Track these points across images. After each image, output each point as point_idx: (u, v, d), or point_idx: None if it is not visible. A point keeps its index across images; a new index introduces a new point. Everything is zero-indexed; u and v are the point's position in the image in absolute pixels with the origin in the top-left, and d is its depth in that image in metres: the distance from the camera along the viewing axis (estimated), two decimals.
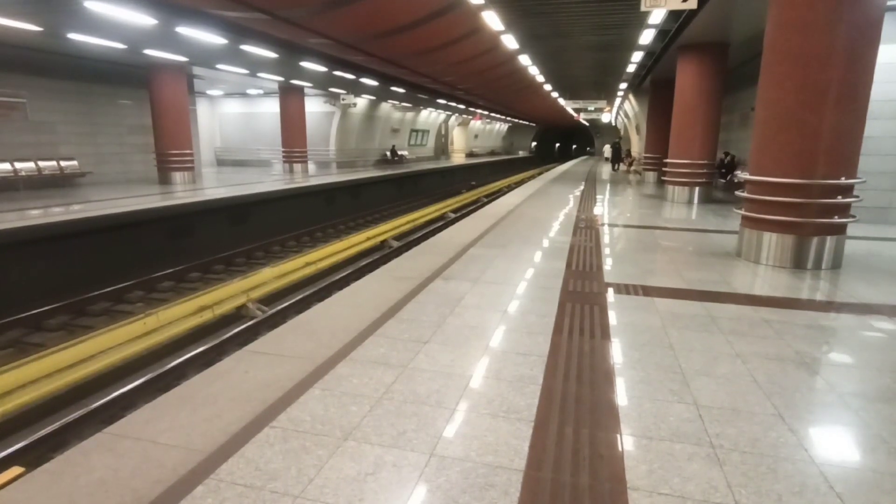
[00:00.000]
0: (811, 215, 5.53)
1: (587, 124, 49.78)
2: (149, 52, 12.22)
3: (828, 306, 4.49)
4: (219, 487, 2.01)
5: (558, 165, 35.64)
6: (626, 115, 28.38)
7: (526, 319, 3.96)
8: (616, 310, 4.22)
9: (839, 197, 5.54)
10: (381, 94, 23.31)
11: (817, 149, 5.41)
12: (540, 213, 10.01)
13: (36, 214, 9.16)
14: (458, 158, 38.82)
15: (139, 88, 15.30)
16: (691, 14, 8.95)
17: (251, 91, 22.79)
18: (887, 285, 5.12)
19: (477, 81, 20.13)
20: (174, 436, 2.25)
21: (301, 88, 20.18)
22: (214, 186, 14.78)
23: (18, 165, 12.66)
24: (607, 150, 29.93)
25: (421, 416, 2.54)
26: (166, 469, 2.02)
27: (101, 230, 9.18)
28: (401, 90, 21.81)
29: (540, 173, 31.84)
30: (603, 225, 8.60)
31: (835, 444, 2.40)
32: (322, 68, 15.74)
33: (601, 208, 10.84)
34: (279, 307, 7.58)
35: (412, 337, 3.56)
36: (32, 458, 4.13)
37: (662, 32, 11.09)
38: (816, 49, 5.29)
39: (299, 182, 16.32)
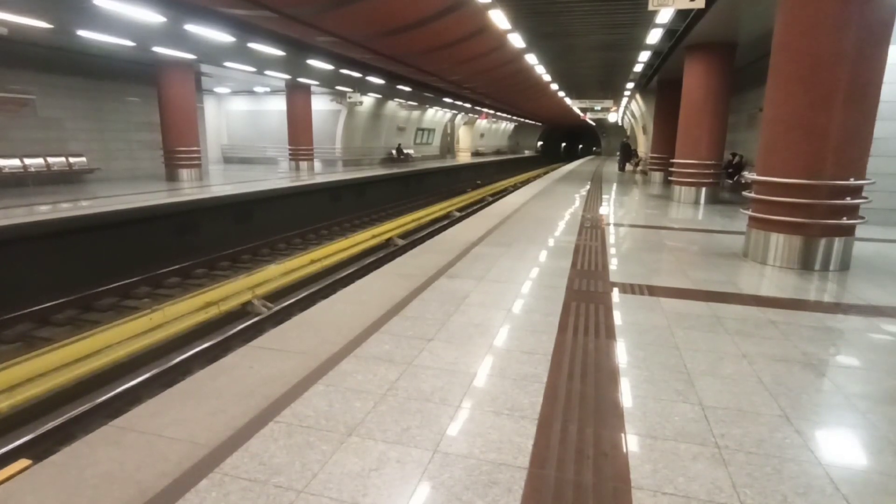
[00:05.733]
0: (819, 216, 5.49)
1: (593, 124, 49.63)
2: (157, 49, 12.27)
3: (835, 308, 4.46)
4: (223, 481, 2.02)
5: (564, 165, 35.55)
6: (633, 115, 28.26)
7: (530, 318, 3.95)
8: (621, 309, 4.21)
9: (847, 198, 5.49)
10: (388, 93, 23.33)
11: (825, 149, 5.37)
12: (545, 212, 9.99)
13: (44, 210, 9.22)
14: (463, 157, 38.80)
15: (147, 86, 15.39)
16: (699, 13, 8.90)
17: (258, 89, 22.87)
18: (895, 287, 5.08)
19: (483, 80, 20.11)
20: (179, 430, 2.26)
21: (308, 86, 20.22)
22: (221, 183, 14.85)
23: (27, 161, 12.75)
24: None
25: (425, 413, 2.54)
26: (171, 462, 2.03)
27: (108, 226, 9.23)
28: (407, 89, 21.82)
29: (546, 173, 31.76)
30: (608, 225, 8.57)
31: (841, 445, 2.38)
32: (329, 66, 15.77)
33: (607, 208, 10.81)
34: (284, 304, 7.61)
35: (416, 334, 3.56)
36: (39, 450, 4.17)
37: (670, 32, 11.03)
38: (825, 49, 5.25)
39: (305, 180, 16.37)
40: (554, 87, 22.79)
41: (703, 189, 11.65)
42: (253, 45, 12.51)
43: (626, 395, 2.76)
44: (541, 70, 17.86)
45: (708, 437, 2.38)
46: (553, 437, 2.35)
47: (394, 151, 28.22)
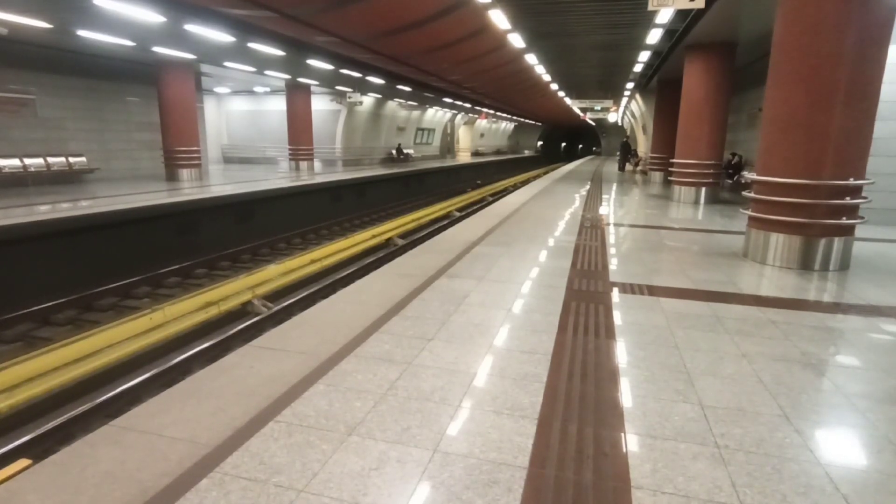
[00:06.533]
0: (819, 216, 5.50)
1: (593, 124, 49.62)
2: (157, 49, 12.28)
3: (835, 308, 4.46)
4: (223, 480, 2.02)
5: (564, 165, 35.56)
6: (633, 115, 28.26)
7: (530, 318, 3.95)
8: (621, 309, 4.21)
9: (847, 198, 5.50)
10: (388, 93, 23.33)
11: (825, 149, 5.37)
12: (545, 212, 10.00)
13: (44, 210, 9.22)
14: (463, 157, 38.80)
15: (147, 85, 15.39)
16: (699, 14, 8.90)
17: (258, 89, 22.87)
18: (895, 287, 5.07)
19: (483, 80, 20.11)
20: (179, 429, 2.26)
21: (308, 86, 20.22)
22: (221, 183, 14.85)
23: (27, 161, 12.75)
24: None
25: (425, 413, 2.55)
26: (172, 462, 2.04)
27: (108, 226, 9.23)
28: (407, 89, 21.82)
29: (546, 172, 31.77)
30: (608, 224, 8.57)
31: (841, 445, 2.38)
32: (329, 66, 15.77)
33: (607, 208, 10.81)
34: (284, 304, 7.61)
35: (416, 334, 3.56)
36: (39, 451, 4.17)
37: (670, 32, 11.04)
38: (825, 49, 5.25)
39: (305, 179, 16.37)
40: (554, 87, 22.79)
41: (703, 189, 11.65)
42: (253, 45, 12.51)
43: (626, 395, 2.77)
44: (541, 70, 17.86)
45: (708, 437, 2.38)
46: (553, 437, 2.36)
47: (394, 151, 28.22)
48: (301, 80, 18.40)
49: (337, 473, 2.08)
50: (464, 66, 16.41)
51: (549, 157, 60.72)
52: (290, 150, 21.07)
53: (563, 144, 74.43)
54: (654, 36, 11.26)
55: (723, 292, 4.79)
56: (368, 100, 24.23)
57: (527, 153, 55.88)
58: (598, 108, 27.85)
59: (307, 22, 10.71)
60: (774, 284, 5.15)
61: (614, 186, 16.23)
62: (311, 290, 8.36)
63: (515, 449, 2.26)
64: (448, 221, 15.91)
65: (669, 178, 12.47)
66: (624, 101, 25.57)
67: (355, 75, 17.66)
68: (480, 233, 7.34)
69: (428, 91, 22.96)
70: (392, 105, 27.15)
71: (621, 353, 3.33)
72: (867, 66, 5.25)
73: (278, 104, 22.16)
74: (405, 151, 28.87)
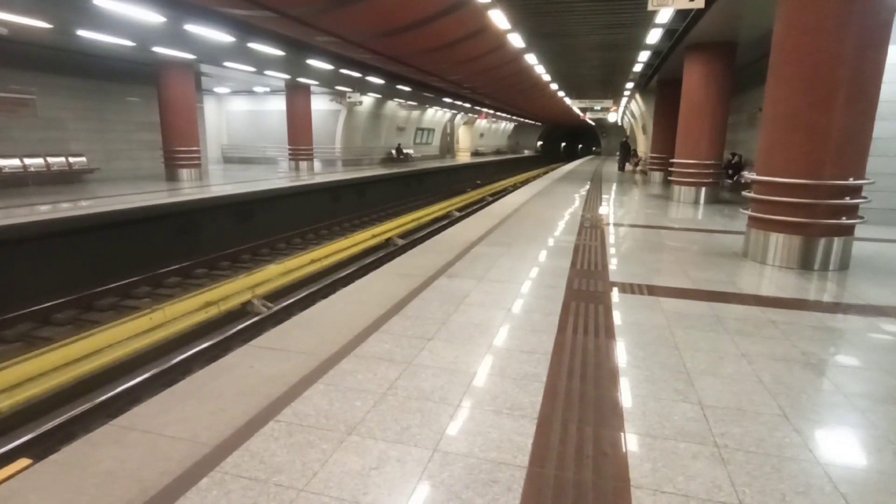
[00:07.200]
0: (819, 216, 5.50)
1: (593, 124, 49.61)
2: (157, 49, 12.28)
3: (835, 307, 4.47)
4: (224, 480, 2.02)
5: (564, 165, 35.55)
6: (633, 115, 28.25)
7: (530, 318, 3.95)
8: (621, 309, 4.21)
9: (847, 198, 5.50)
10: (388, 93, 23.33)
11: (825, 149, 5.38)
12: (545, 212, 10.00)
13: (45, 210, 9.22)
14: (463, 157, 38.79)
15: (148, 86, 15.39)
16: (699, 13, 8.90)
17: (258, 89, 22.87)
18: (895, 287, 5.08)
19: (483, 80, 20.10)
20: (180, 429, 2.27)
21: (307, 86, 20.22)
22: (221, 183, 14.85)
23: (28, 161, 12.75)
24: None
25: (425, 412, 2.55)
26: (172, 461, 2.04)
27: (108, 226, 9.23)
28: (407, 88, 21.81)
29: (545, 172, 31.77)
30: (608, 224, 8.58)
31: (840, 444, 2.38)
32: (329, 66, 15.77)
33: (606, 208, 10.81)
34: (284, 304, 7.61)
35: (416, 334, 3.57)
36: (40, 450, 4.17)
37: (670, 32, 11.03)
38: (825, 49, 5.25)
39: (305, 179, 16.37)
40: (554, 87, 22.79)
41: (703, 189, 11.65)
42: (253, 45, 12.51)
43: (626, 395, 2.77)
44: (541, 70, 17.86)
45: (707, 437, 2.38)
46: (553, 436, 2.36)
47: (393, 151, 28.23)
48: (301, 80, 18.40)
49: (337, 473, 2.08)
50: (464, 66, 16.40)
51: (549, 157, 60.68)
52: (289, 150, 21.08)
53: (563, 144, 74.38)
54: (653, 36, 11.26)
55: (723, 292, 4.79)
56: (368, 100, 24.23)
57: (526, 153, 55.84)
58: (598, 108, 27.84)
59: (307, 22, 10.71)
60: (774, 284, 5.15)
61: (614, 186, 16.23)
62: (311, 290, 8.36)
63: (515, 448, 2.26)
64: (448, 221, 15.91)
65: (669, 178, 12.47)
66: (624, 101, 25.57)
67: (355, 75, 17.66)
68: (480, 233, 7.35)
69: (428, 91, 22.95)
70: (392, 105, 27.14)
71: (621, 352, 3.34)
72: (867, 66, 5.25)
73: (278, 104, 22.16)
74: (405, 151, 28.88)
